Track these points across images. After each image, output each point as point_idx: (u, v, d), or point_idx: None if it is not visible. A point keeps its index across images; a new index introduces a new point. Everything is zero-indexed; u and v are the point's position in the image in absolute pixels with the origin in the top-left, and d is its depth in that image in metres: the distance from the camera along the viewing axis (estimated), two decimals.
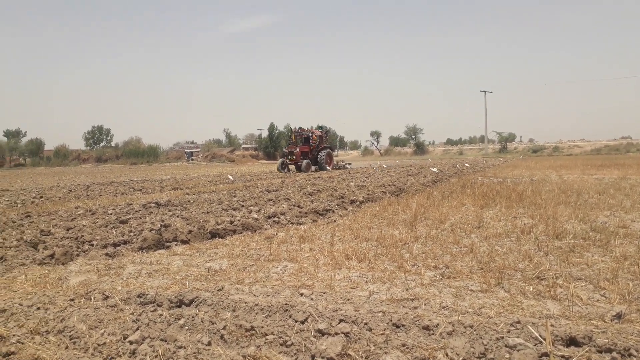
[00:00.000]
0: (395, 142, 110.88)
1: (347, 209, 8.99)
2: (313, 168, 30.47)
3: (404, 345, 2.62)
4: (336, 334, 2.74)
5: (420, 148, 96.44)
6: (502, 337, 2.59)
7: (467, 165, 29.83)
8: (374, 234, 6.15)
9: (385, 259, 4.91)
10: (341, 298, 3.60)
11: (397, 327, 2.85)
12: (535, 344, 2.52)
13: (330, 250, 5.28)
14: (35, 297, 3.82)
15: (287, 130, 33.43)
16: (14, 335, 2.99)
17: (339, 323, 2.89)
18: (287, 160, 29.95)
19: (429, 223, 6.97)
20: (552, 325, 2.76)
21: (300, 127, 32.29)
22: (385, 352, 2.55)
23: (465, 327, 2.77)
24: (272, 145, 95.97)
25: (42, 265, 5.20)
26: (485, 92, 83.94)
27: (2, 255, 5.54)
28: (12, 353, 2.72)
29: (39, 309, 3.48)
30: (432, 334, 2.76)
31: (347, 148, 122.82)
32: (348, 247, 5.44)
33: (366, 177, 18.40)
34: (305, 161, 29.13)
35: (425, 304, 3.40)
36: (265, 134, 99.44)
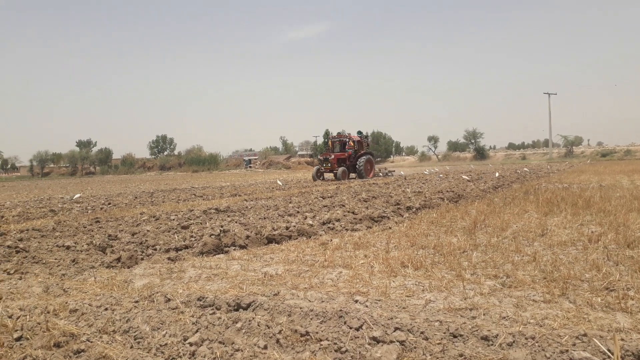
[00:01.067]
0: (454, 147, 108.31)
1: (403, 216, 8.88)
2: (352, 176, 28.30)
3: (461, 355, 2.55)
4: (391, 342, 2.71)
5: (480, 153, 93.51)
6: (567, 351, 2.47)
7: (525, 169, 28.15)
8: (431, 242, 6.04)
9: (443, 267, 4.80)
10: (397, 306, 3.56)
11: (455, 336, 2.78)
12: (603, 359, 2.38)
13: (386, 258, 5.23)
14: (103, 298, 4.03)
15: (324, 136, 31.24)
16: (84, 333, 3.17)
17: (394, 331, 2.86)
18: (322, 168, 27.83)
19: (489, 230, 6.75)
20: (621, 340, 2.60)
21: (338, 133, 29.88)
22: None
23: (526, 339, 2.66)
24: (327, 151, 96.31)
25: (110, 268, 5.49)
26: (549, 94, 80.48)
27: (74, 258, 5.91)
28: (82, 351, 2.88)
29: (106, 309, 3.68)
30: (491, 344, 2.66)
31: (403, 154, 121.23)
32: (404, 254, 5.36)
33: (423, 184, 18.10)
34: (341, 168, 26.58)
35: (484, 314, 3.29)
36: (320, 140, 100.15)
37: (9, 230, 8.37)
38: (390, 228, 7.49)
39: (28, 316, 3.58)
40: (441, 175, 25.80)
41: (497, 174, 22.85)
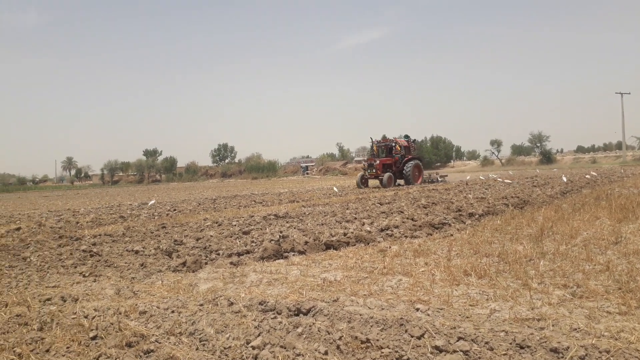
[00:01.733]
0: (519, 150, 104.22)
1: (465, 223, 8.64)
2: (399, 182, 27.05)
3: None
4: (454, 351, 2.64)
5: (546, 157, 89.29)
6: None
7: (593, 173, 25.89)
8: (495, 250, 5.83)
9: (508, 275, 4.62)
10: (459, 315, 3.46)
11: (522, 347, 2.67)
12: None
13: (447, 266, 5.10)
14: (170, 301, 4.20)
15: (375, 142, 29.44)
16: (152, 335, 3.32)
17: (457, 341, 2.78)
18: (367, 174, 26.35)
19: (557, 238, 6.43)
20: None
21: (383, 137, 28.45)
22: None
23: (600, 352, 2.51)
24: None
25: (176, 272, 5.71)
26: (621, 93, 75.79)
27: (142, 262, 6.19)
28: (152, 351, 3.01)
29: (173, 312, 3.82)
30: (562, 357, 2.53)
31: (464, 158, 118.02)
32: (466, 262, 5.21)
33: (486, 189, 17.54)
34: (387, 174, 25.12)
35: (553, 325, 3.13)
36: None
37: (84, 236, 8.91)
38: (451, 235, 7.31)
39: (102, 317, 3.79)
40: (502, 180, 24.69)
41: (564, 179, 21.70)
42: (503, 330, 2.97)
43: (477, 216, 9.31)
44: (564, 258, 5.19)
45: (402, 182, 26.83)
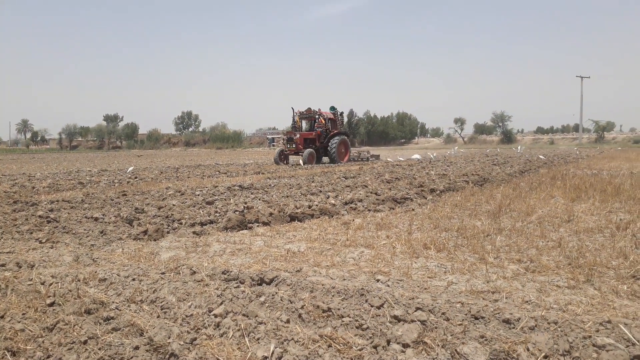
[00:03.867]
0: (481, 129, 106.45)
1: (426, 198, 8.83)
2: (325, 160, 24.32)
3: (482, 337, 2.56)
4: (412, 321, 2.73)
5: (507, 136, 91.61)
6: (590, 336, 2.44)
7: (541, 157, 24.69)
8: (455, 225, 6.00)
9: (466, 250, 4.78)
10: (418, 286, 3.57)
11: (476, 318, 2.78)
12: (627, 346, 2.36)
13: (408, 239, 5.23)
14: (131, 269, 4.14)
15: (296, 113, 25.52)
16: (113, 302, 3.28)
17: (415, 311, 2.87)
18: (287, 150, 23.74)
19: (514, 215, 6.67)
20: None
21: (308, 108, 25.03)
22: (463, 343, 2.51)
23: (549, 323, 2.65)
24: (350, 132, 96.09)
25: (137, 240, 5.63)
26: (582, 77, 78.04)
27: (102, 230, 6.07)
28: (112, 318, 2.98)
29: (134, 280, 3.78)
30: (513, 327, 2.66)
31: (429, 135, 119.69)
32: (426, 236, 5.35)
33: (447, 166, 17.92)
34: (307, 150, 22.42)
35: (506, 298, 3.28)
36: (344, 120, 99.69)
37: (40, 201, 8.64)
38: (413, 210, 7.47)
39: (60, 283, 3.71)
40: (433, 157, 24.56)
41: (520, 150, 22.20)
42: (459, 302, 3.09)
43: (438, 192, 9.52)
44: (520, 234, 5.40)
45: (327, 159, 24.40)
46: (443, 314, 2.86)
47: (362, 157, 27.07)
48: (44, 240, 5.54)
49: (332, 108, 25.55)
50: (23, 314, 3.13)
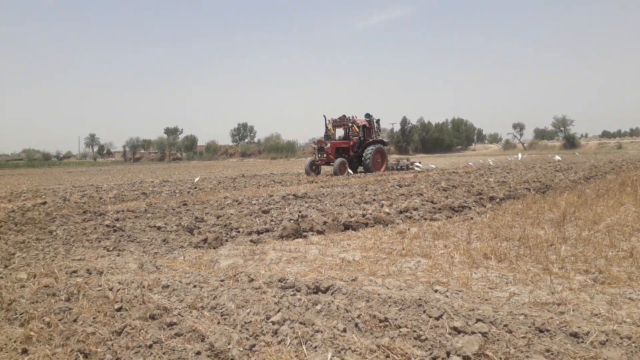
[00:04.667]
0: (541, 134, 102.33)
1: (485, 206, 8.57)
2: (360, 169, 22.72)
3: (548, 350, 2.44)
4: (473, 333, 2.65)
5: (570, 141, 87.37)
6: None
7: (557, 158, 22.63)
8: (516, 234, 5.78)
9: (529, 260, 4.59)
10: (478, 297, 3.46)
11: (541, 331, 2.66)
12: None
13: (467, 249, 5.08)
14: (192, 276, 4.28)
15: (329, 121, 23.47)
16: (175, 308, 3.40)
17: (475, 322, 2.79)
18: (318, 160, 22.08)
19: (579, 223, 6.34)
20: None
21: (342, 116, 23.28)
22: (527, 357, 2.40)
23: (621, 338, 2.50)
24: (404, 140, 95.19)
25: (197, 249, 5.81)
26: None
27: (165, 238, 6.31)
28: (175, 324, 3.09)
29: (195, 286, 3.91)
30: (582, 342, 2.52)
31: (486, 141, 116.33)
32: (486, 245, 5.19)
33: (507, 173, 17.32)
34: (338, 160, 20.75)
35: (573, 310, 3.11)
36: (397, 128, 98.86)
37: (107, 211, 9.10)
38: (471, 218, 7.26)
39: (126, 290, 3.89)
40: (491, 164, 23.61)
41: (557, 157, 20.69)
42: (522, 314, 2.97)
43: (498, 200, 9.21)
44: (587, 244, 5.12)
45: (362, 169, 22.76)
46: (505, 326, 2.75)
47: (401, 165, 25.36)
48: (111, 249, 5.83)
49: (367, 115, 23.87)
50: (94, 318, 3.30)
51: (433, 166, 26.70)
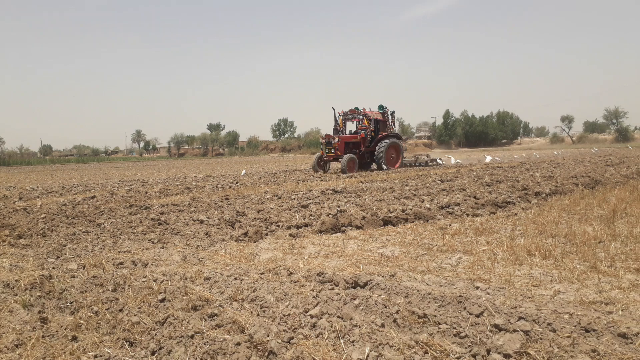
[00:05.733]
0: (592, 127, 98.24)
1: (530, 202, 8.32)
2: (373, 166, 21.10)
3: (594, 351, 2.35)
4: (514, 331, 2.58)
5: (622, 134, 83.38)
6: None
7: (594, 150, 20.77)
8: (562, 230, 5.58)
9: (575, 257, 4.43)
10: (521, 295, 3.37)
11: (587, 331, 2.57)
12: None
13: (510, 245, 4.95)
14: (233, 268, 4.37)
15: (339, 114, 21.21)
16: (216, 299, 3.47)
17: (518, 320, 2.71)
18: (325, 155, 20.42)
19: (631, 220, 6.06)
20: None
21: (356, 107, 21.31)
22: (572, 356, 2.32)
23: None
24: (446, 134, 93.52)
25: (238, 242, 5.92)
26: None
27: (207, 232, 6.46)
28: (216, 315, 3.16)
29: (235, 279, 3.98)
30: (631, 342, 2.42)
31: (532, 135, 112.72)
32: (531, 242, 5.03)
33: (554, 168, 16.73)
34: (346, 156, 19.07)
35: (622, 310, 2.98)
36: (440, 121, 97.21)
37: (152, 205, 9.39)
38: (516, 214, 7.07)
39: (170, 281, 4.01)
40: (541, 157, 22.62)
41: (595, 149, 20.04)
42: (567, 313, 2.87)
43: (543, 195, 8.92)
44: (638, 241, 4.89)
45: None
46: (549, 324, 2.67)
47: (420, 162, 23.39)
48: (155, 241, 6.02)
49: (381, 107, 21.86)
50: (138, 308, 3.43)
51: (459, 161, 25.01)
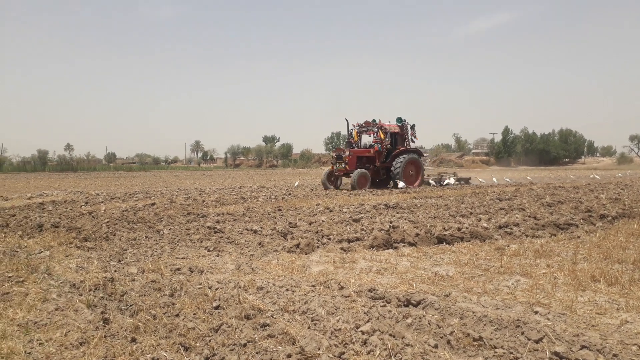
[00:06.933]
0: None
1: (595, 225, 7.89)
2: (391, 184, 19.53)
3: None
4: None
5: None
6: None
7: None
8: (630, 256, 5.25)
9: None
10: (584, 323, 3.20)
11: None
12: None
13: (572, 269, 4.71)
14: (285, 279, 4.41)
15: (354, 126, 19.89)
16: (268, 310, 3.52)
17: (580, 349, 2.58)
18: (336, 170, 18.94)
19: None
20: None
21: (373, 120, 19.65)
22: None
23: None
24: (505, 151, 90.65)
25: (290, 253, 5.97)
26: None
27: (260, 242, 6.57)
28: (267, 325, 3.20)
29: (287, 290, 4.02)
30: None
31: (597, 154, 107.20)
32: (595, 267, 4.77)
33: (621, 189, 15.83)
34: (357, 171, 17.75)
35: None
36: (498, 138, 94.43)
37: (209, 213, 9.66)
38: (578, 237, 6.72)
39: (224, 289, 4.11)
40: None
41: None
42: (635, 344, 2.70)
43: (609, 218, 8.45)
44: None
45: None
46: (614, 355, 2.52)
47: (442, 180, 21.33)
48: (211, 249, 6.19)
49: (399, 120, 20.20)
50: (194, 314, 3.53)
51: (495, 180, 23.32)
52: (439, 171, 26.40)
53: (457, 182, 21.61)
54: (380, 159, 19.32)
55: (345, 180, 19.84)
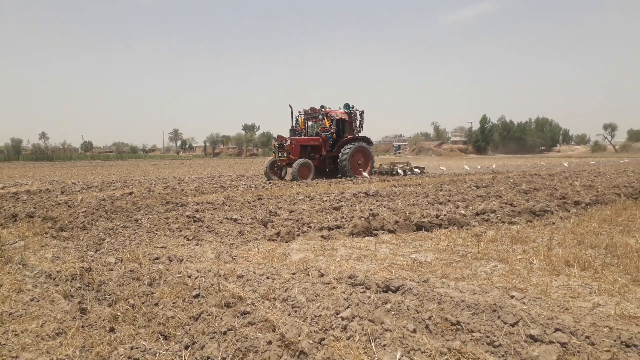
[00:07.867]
0: (636, 136, 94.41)
1: (569, 211, 8.07)
2: (343, 175, 18.20)
3: None
4: (551, 342, 2.52)
5: None
6: None
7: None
8: (603, 241, 5.40)
9: (616, 269, 4.28)
10: (558, 306, 3.28)
11: (627, 346, 2.48)
12: None
13: (547, 255, 4.82)
14: (265, 268, 4.41)
15: (300, 113, 18.63)
16: (249, 297, 3.52)
17: (554, 332, 2.65)
18: (279, 160, 17.91)
19: None
20: None
21: (320, 107, 18.66)
22: None
23: None
24: (483, 139, 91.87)
25: (270, 241, 5.97)
26: None
27: (240, 230, 6.54)
28: (248, 312, 3.20)
29: (267, 278, 4.02)
30: None
31: (572, 143, 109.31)
32: (569, 252, 4.89)
33: (595, 177, 16.20)
34: (298, 161, 16.78)
35: None
36: (476, 126, 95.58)
37: (188, 202, 9.59)
38: (553, 223, 6.87)
39: (203, 278, 4.09)
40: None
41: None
42: (607, 326, 2.78)
43: (583, 205, 8.65)
44: None
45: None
46: (587, 337, 2.59)
47: (394, 170, 20.04)
48: (190, 238, 6.14)
49: (347, 106, 19.08)
50: (173, 303, 3.50)
51: (443, 168, 22.84)
52: (391, 160, 25.15)
53: (408, 172, 20.38)
54: (326, 148, 18.37)
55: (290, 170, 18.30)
